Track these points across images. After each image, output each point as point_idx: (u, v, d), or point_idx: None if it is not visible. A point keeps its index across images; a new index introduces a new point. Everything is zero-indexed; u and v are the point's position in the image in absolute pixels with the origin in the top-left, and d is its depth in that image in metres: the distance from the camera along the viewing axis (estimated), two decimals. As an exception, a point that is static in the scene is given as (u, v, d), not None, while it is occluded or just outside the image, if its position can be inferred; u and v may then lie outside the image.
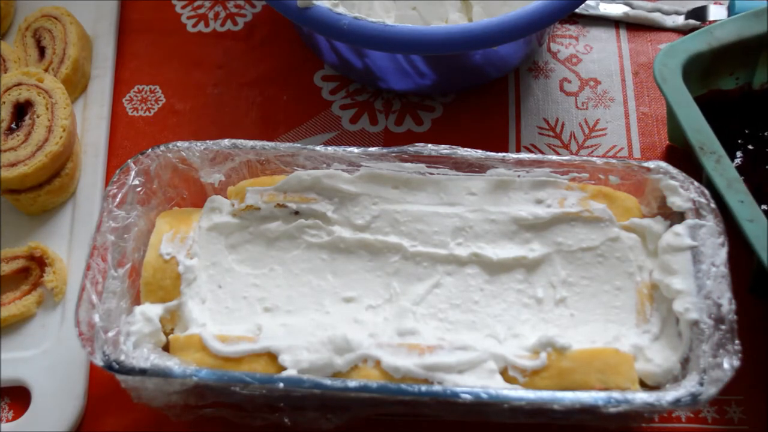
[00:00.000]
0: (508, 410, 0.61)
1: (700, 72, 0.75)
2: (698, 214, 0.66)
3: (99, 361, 0.61)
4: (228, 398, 0.65)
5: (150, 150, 0.71)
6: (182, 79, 0.92)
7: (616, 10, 0.94)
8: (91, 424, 0.72)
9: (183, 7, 0.98)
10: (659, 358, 0.64)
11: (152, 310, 0.66)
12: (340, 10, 0.76)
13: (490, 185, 0.71)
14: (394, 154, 0.71)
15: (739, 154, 0.75)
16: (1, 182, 0.78)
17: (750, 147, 0.75)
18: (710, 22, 0.93)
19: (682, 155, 0.80)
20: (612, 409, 0.59)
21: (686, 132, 0.69)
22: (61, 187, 0.81)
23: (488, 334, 0.66)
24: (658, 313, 0.66)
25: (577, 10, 0.88)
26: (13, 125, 0.81)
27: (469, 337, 0.65)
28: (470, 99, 0.89)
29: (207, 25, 0.96)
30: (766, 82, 0.79)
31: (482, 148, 0.71)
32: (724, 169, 0.68)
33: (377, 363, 0.63)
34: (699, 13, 0.93)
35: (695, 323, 0.62)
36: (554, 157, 0.71)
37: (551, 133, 0.87)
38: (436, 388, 0.60)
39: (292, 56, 0.93)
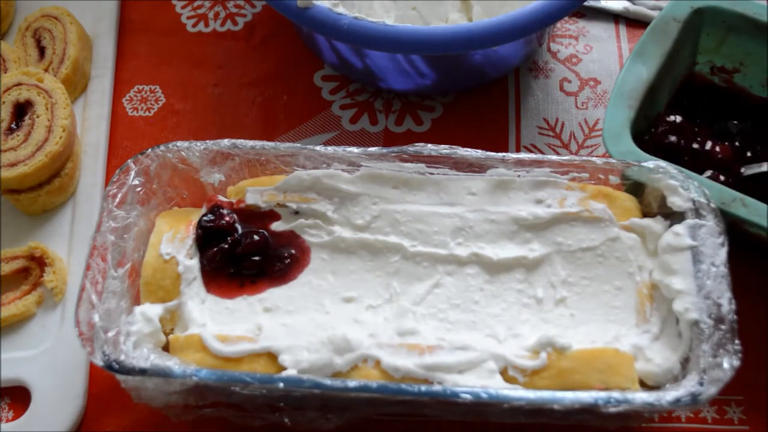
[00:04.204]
0: (508, 410, 0.61)
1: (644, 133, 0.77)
2: (698, 214, 0.66)
3: (99, 361, 0.61)
4: (228, 398, 0.65)
5: (150, 150, 0.71)
6: (182, 79, 0.92)
7: (617, 5, 0.94)
8: (91, 424, 0.72)
9: (183, 7, 0.98)
10: (659, 358, 0.64)
11: (152, 310, 0.66)
12: (340, 10, 0.76)
13: (490, 185, 0.71)
14: (394, 154, 0.71)
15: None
16: (1, 182, 0.78)
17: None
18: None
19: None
20: (612, 409, 0.59)
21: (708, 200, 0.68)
22: (61, 187, 0.81)
23: (488, 334, 0.66)
24: (658, 313, 0.66)
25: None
26: (13, 125, 0.81)
27: (469, 337, 0.65)
28: (470, 99, 0.89)
29: (207, 25, 0.96)
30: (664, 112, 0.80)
31: (482, 148, 0.71)
32: (756, 208, 0.68)
33: (377, 363, 0.63)
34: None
35: (695, 323, 0.62)
36: (554, 157, 0.71)
37: (551, 133, 0.87)
38: (436, 388, 0.60)
39: (292, 56, 0.93)
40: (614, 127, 0.73)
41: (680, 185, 0.67)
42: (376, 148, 0.71)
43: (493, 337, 0.65)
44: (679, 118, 0.78)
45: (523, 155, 0.71)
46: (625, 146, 0.72)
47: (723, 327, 0.61)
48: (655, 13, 0.94)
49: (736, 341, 0.60)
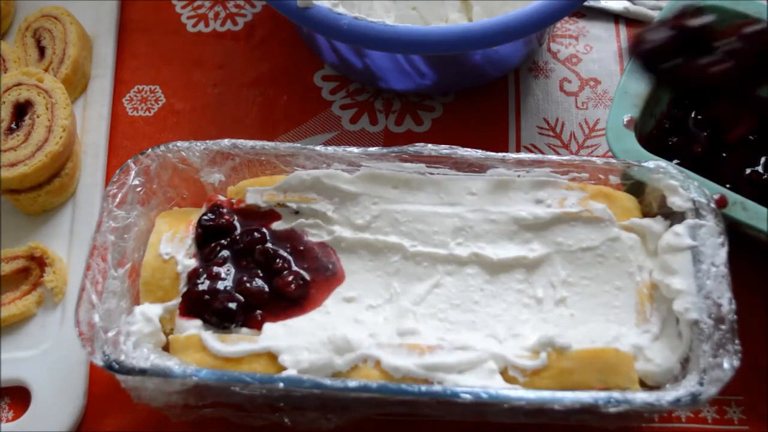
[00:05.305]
0: (508, 410, 0.61)
1: (648, 132, 0.76)
2: (698, 214, 0.66)
3: (99, 361, 0.61)
4: (228, 398, 0.65)
5: (150, 150, 0.71)
6: (182, 79, 0.92)
7: (617, 5, 0.94)
8: (91, 424, 0.72)
9: (183, 7, 0.98)
10: (659, 358, 0.64)
11: (152, 310, 0.66)
12: (340, 10, 0.76)
13: (490, 185, 0.71)
14: (394, 154, 0.71)
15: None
16: (1, 182, 0.78)
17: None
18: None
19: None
20: (612, 409, 0.59)
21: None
22: (61, 187, 0.81)
23: (488, 334, 0.66)
24: (658, 313, 0.66)
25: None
26: (13, 125, 0.81)
27: (469, 337, 0.65)
28: (470, 99, 0.89)
29: (207, 25, 0.96)
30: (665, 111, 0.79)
31: (482, 148, 0.71)
32: (756, 212, 0.68)
33: (377, 363, 0.63)
34: (699, 14, 0.93)
35: (695, 323, 0.62)
36: (554, 157, 0.71)
37: (551, 133, 0.87)
38: (436, 388, 0.60)
39: (292, 56, 0.93)
40: (617, 125, 0.73)
41: (680, 185, 0.67)
42: (376, 148, 0.71)
43: (493, 337, 0.65)
44: (680, 118, 0.78)
45: (523, 155, 0.71)
46: (628, 144, 0.72)
47: (723, 327, 0.61)
48: (655, 13, 0.94)
49: (736, 341, 0.60)
